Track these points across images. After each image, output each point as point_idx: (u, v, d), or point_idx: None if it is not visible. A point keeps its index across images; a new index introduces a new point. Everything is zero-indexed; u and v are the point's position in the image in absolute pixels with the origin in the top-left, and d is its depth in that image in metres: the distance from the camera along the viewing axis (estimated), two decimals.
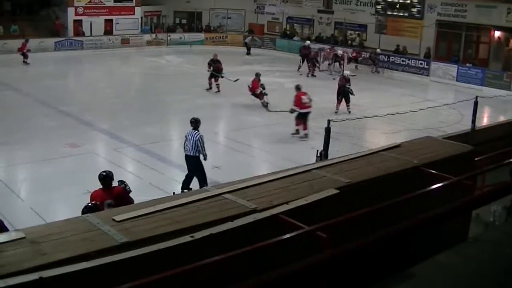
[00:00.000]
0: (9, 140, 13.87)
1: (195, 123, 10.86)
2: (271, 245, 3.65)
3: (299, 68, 26.17)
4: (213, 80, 20.59)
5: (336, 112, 17.52)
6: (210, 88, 20.68)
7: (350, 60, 27.61)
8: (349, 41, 30.92)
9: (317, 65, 26.20)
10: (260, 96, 18.16)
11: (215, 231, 4.01)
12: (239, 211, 4.44)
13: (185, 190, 10.44)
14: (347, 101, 17.93)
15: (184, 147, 10.88)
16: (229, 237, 4.04)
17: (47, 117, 16.42)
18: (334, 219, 4.03)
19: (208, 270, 3.34)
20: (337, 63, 26.35)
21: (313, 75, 25.14)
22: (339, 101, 18.00)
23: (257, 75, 18.43)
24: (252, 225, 4.22)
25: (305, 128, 15.01)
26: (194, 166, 10.76)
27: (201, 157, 10.80)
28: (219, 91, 20.53)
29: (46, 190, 10.91)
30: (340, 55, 26.13)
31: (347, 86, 18.03)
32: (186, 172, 10.87)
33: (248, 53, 32.15)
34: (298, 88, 15.55)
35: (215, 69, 20.55)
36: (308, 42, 27.96)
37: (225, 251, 3.39)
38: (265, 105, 18.02)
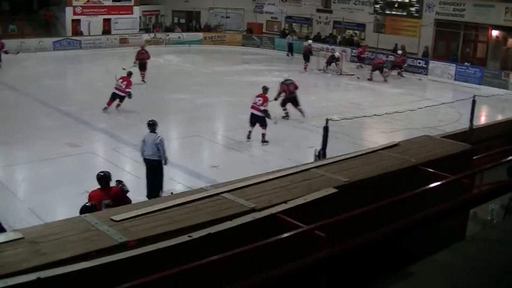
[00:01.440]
0: (8, 140, 13.83)
1: (153, 126, 10.40)
2: (270, 244, 3.65)
3: (305, 68, 26.00)
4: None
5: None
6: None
7: (394, 67, 25.90)
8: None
9: (385, 71, 24.84)
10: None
11: (213, 230, 4.02)
12: (238, 210, 4.45)
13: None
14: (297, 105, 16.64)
15: (141, 151, 10.49)
16: (228, 236, 4.04)
17: (46, 117, 16.39)
18: (333, 218, 4.04)
19: (206, 270, 3.35)
20: (334, 64, 26.22)
21: (385, 80, 24.25)
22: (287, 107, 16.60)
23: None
24: (251, 225, 4.23)
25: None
26: (156, 171, 10.24)
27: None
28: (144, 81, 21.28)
29: (45, 190, 10.88)
30: (337, 57, 26.07)
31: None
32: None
33: (291, 54, 31.28)
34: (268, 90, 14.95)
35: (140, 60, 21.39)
36: (310, 41, 28.03)
37: (223, 251, 3.40)
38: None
